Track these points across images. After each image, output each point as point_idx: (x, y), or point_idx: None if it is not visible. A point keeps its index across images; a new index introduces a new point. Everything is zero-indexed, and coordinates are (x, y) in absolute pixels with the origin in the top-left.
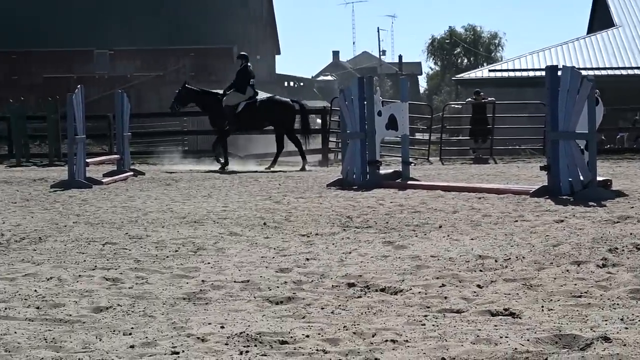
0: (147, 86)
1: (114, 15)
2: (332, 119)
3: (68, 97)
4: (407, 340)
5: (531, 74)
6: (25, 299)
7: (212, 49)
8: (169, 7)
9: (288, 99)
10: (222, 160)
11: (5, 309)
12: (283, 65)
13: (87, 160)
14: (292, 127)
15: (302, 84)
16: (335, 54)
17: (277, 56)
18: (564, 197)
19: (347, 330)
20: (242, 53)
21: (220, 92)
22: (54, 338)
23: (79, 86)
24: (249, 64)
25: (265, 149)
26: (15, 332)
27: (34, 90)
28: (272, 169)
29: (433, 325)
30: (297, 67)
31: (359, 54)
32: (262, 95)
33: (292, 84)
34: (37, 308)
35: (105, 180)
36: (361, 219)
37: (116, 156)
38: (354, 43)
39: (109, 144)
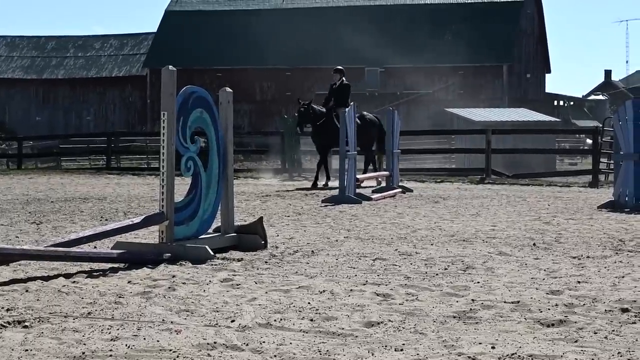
0: (416, 104)
1: (386, 35)
2: (603, 139)
3: (341, 113)
4: None
5: None
6: (299, 311)
7: (481, 67)
8: (441, 26)
9: (374, 116)
10: None
11: (281, 319)
12: (553, 83)
13: (357, 176)
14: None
15: (572, 103)
16: (607, 72)
17: (547, 75)
18: None
19: (621, 356)
20: (339, 67)
21: (324, 110)
22: (327, 350)
23: (351, 103)
24: (343, 78)
25: (533, 169)
26: (291, 343)
27: None
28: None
29: None
30: (567, 86)
31: (632, 72)
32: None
33: (561, 102)
34: (311, 320)
35: (374, 196)
36: (634, 242)
37: (385, 173)
38: (627, 62)
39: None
